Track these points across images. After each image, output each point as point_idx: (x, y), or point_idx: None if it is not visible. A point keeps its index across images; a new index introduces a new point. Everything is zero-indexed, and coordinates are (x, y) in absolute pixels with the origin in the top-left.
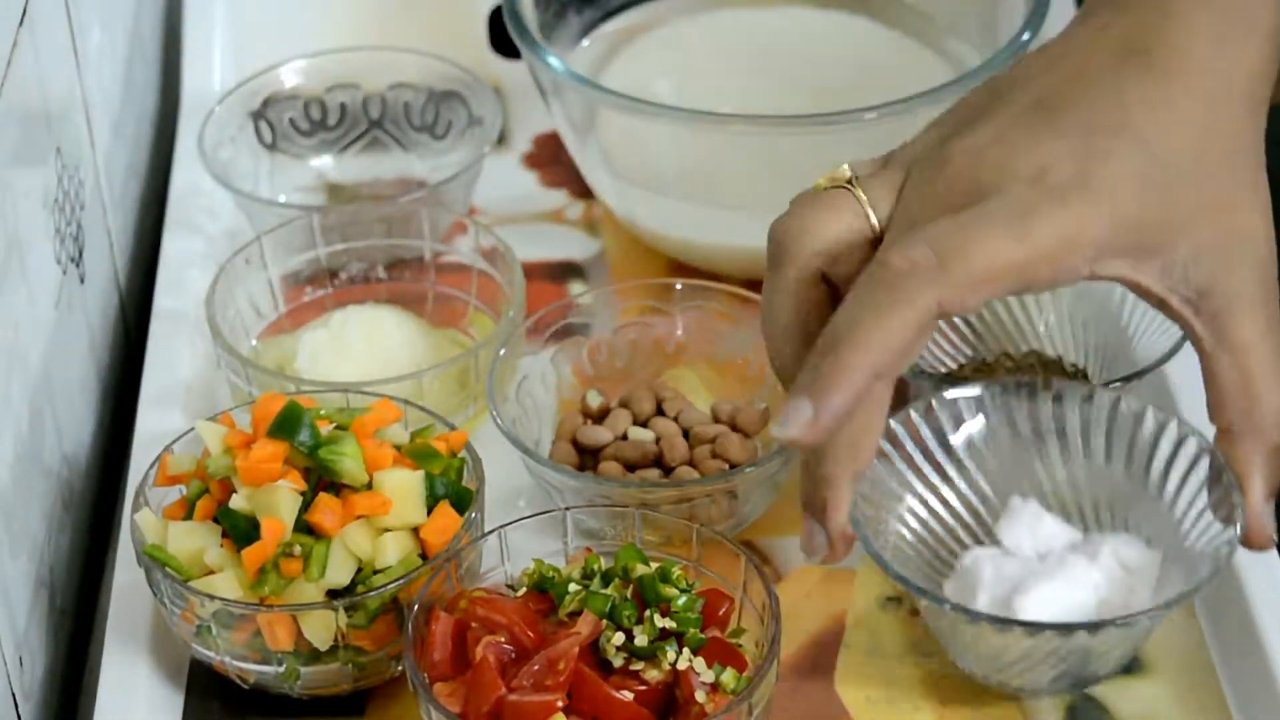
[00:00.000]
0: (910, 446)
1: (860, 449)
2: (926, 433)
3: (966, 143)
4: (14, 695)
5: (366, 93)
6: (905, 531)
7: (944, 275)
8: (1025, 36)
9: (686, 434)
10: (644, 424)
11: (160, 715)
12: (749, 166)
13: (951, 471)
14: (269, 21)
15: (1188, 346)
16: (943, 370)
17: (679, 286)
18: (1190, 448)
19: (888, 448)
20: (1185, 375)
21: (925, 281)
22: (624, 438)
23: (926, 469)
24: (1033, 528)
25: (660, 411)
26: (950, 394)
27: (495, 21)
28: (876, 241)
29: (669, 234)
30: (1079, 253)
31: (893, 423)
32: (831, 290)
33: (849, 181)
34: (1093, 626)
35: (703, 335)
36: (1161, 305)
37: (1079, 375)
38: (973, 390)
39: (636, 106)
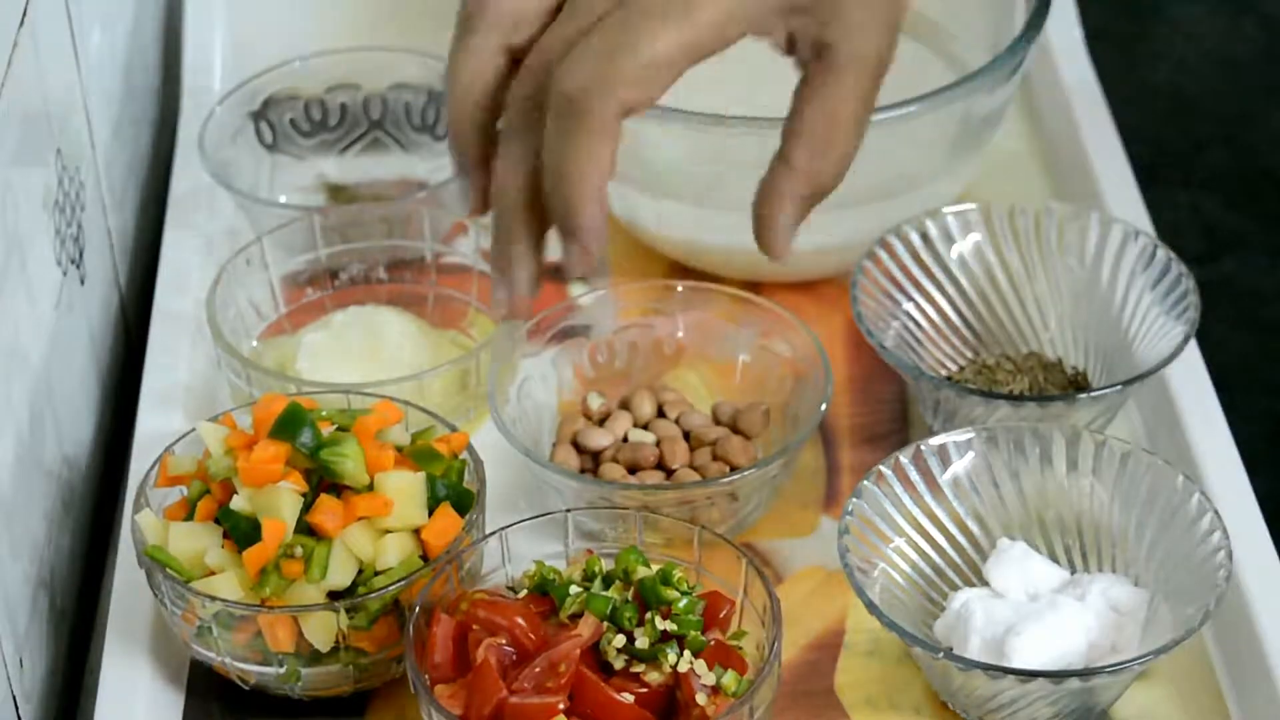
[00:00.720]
0: (899, 489)
1: (538, 214)
2: (915, 475)
3: None
4: (14, 696)
5: (367, 93)
6: (894, 573)
7: (616, 83)
8: (1026, 39)
9: (687, 436)
10: (645, 427)
11: (161, 716)
12: (750, 168)
13: (940, 513)
14: (269, 22)
15: (1189, 350)
16: (944, 373)
17: (680, 289)
18: (1177, 489)
19: (875, 490)
20: (1187, 380)
21: (602, 95)
22: (625, 440)
23: (915, 511)
24: (1021, 568)
25: (661, 414)
26: (938, 438)
27: None
28: (558, 9)
29: (670, 235)
30: (742, 18)
31: (882, 466)
32: (514, 62)
33: None
34: (1085, 674)
35: (703, 337)
36: (789, 49)
37: (1079, 378)
38: (960, 435)
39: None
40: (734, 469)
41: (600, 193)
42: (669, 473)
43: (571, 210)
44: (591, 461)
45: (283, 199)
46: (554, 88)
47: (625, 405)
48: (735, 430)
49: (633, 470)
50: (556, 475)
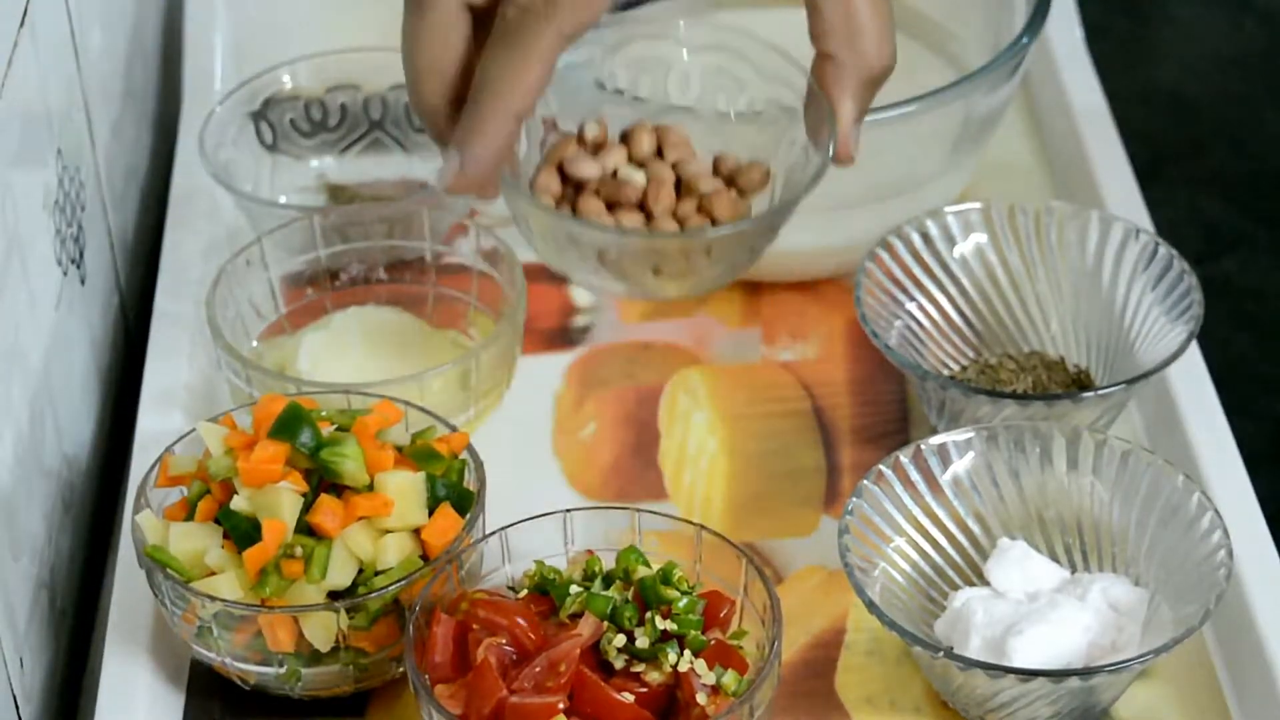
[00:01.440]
0: (899, 489)
1: (516, 92)
2: (915, 475)
3: None
4: (14, 696)
5: (367, 93)
6: (894, 572)
7: (555, 7)
8: (1026, 39)
9: (679, 184)
10: (640, 165)
11: (161, 716)
12: None
13: (940, 513)
14: (269, 22)
15: (1190, 351)
16: (946, 372)
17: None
18: (1177, 488)
19: (876, 490)
20: (1188, 379)
21: (541, 19)
22: (614, 175)
23: (915, 511)
24: (1022, 568)
25: (659, 155)
26: (938, 438)
27: None
28: None
29: None
30: None
31: (882, 466)
32: (476, 21)
33: None
34: (1085, 673)
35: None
36: None
37: (1082, 376)
38: (960, 434)
39: (640, 107)
40: (715, 224)
41: (508, 117)
42: (649, 216)
43: (474, 119)
44: (573, 192)
45: (283, 199)
46: (502, 8)
47: (624, 138)
48: (731, 184)
49: (611, 207)
50: (525, 204)
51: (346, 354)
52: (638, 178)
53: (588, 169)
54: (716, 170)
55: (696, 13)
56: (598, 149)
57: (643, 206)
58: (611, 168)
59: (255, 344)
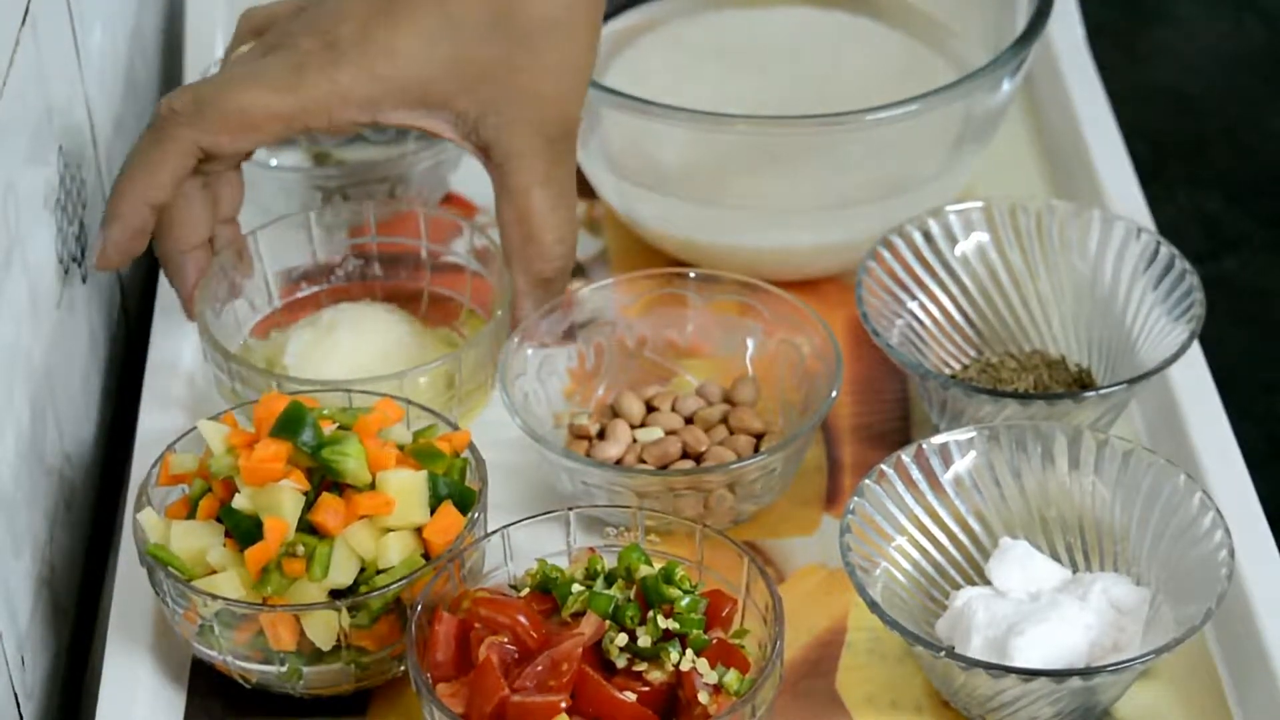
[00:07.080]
0: (901, 488)
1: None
2: (917, 474)
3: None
4: (16, 694)
5: None
6: (896, 572)
7: (200, 119)
8: (1028, 37)
9: (689, 422)
10: (641, 425)
11: (162, 714)
12: (751, 167)
13: (942, 512)
14: None
15: (1192, 350)
16: (948, 371)
17: (692, 274)
18: (1178, 488)
19: (877, 489)
20: (1189, 379)
21: (181, 125)
22: (634, 442)
23: (917, 510)
24: (1023, 567)
25: (652, 408)
26: (939, 437)
27: None
28: None
29: (671, 233)
30: (352, 105)
31: (884, 465)
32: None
33: None
34: (1087, 673)
35: (713, 328)
36: (463, 146)
37: (1084, 375)
38: (962, 433)
39: (639, 107)
40: (758, 436)
41: (140, 204)
42: (696, 459)
43: (110, 202)
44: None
45: (274, 163)
46: (160, 101)
47: (616, 413)
48: (731, 403)
49: (664, 467)
50: (620, 476)
51: (334, 350)
52: (658, 435)
53: (613, 449)
54: (709, 401)
55: (698, 12)
56: (601, 432)
57: (687, 454)
58: (629, 439)
59: (247, 339)
